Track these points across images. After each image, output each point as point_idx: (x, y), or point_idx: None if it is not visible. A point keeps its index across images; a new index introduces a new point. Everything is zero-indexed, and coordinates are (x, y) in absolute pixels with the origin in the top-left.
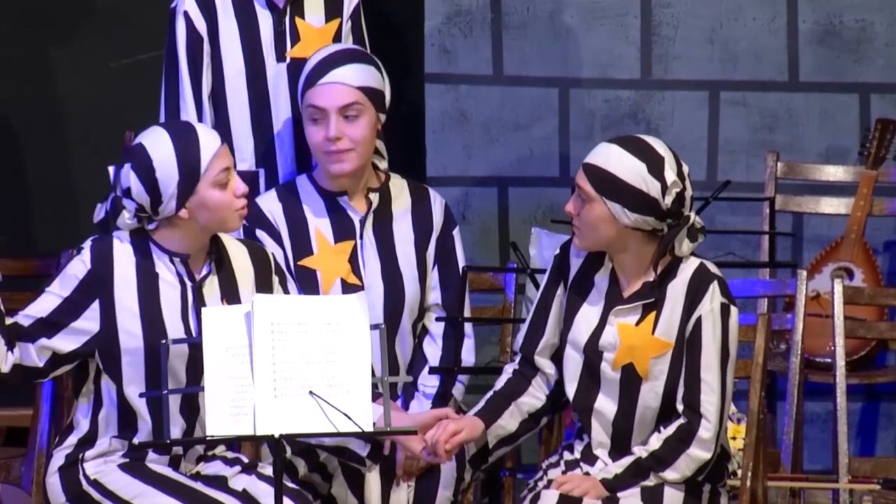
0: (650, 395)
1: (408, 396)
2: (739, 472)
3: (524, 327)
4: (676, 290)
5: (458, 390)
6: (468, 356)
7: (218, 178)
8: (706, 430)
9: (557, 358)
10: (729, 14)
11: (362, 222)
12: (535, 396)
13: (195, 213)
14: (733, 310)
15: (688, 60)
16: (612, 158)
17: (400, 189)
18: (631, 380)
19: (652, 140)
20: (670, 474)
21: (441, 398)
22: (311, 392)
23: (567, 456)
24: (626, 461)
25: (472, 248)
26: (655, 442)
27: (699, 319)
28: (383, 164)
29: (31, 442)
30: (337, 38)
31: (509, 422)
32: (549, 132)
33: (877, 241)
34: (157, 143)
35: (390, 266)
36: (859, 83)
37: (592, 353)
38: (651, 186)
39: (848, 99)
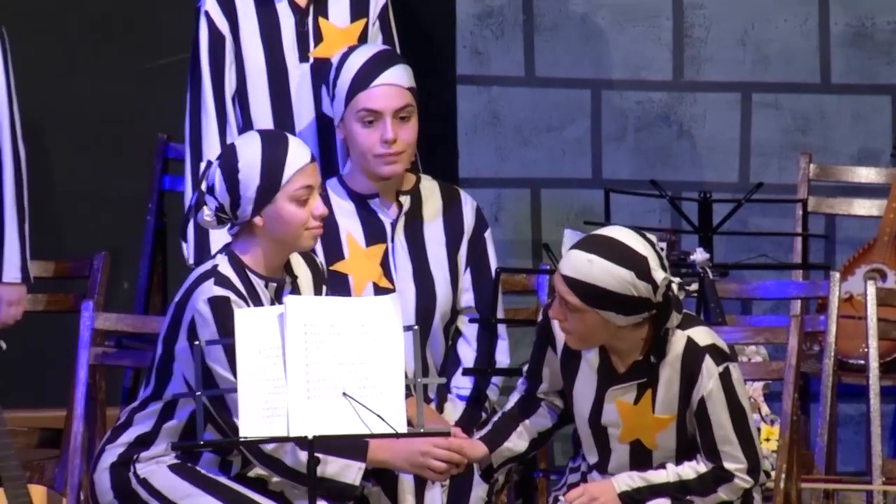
0: (664, 459)
1: (441, 399)
2: (773, 473)
3: (528, 365)
4: (668, 369)
5: (492, 392)
6: (502, 357)
7: (297, 194)
8: (743, 482)
9: (561, 395)
10: (761, 16)
11: (393, 225)
12: (543, 417)
13: (269, 224)
14: (732, 367)
15: (720, 62)
16: (597, 271)
17: (431, 191)
18: (641, 450)
19: (626, 236)
20: (699, 501)
21: (475, 400)
22: (344, 393)
23: (584, 466)
24: (654, 479)
25: (504, 250)
26: (690, 472)
27: (703, 400)
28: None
29: (64, 444)
30: (362, 38)
31: (517, 443)
32: (582, 134)
33: None
34: (247, 147)
35: (422, 269)
36: (891, 85)
37: (597, 427)
38: (642, 290)
39: (880, 101)
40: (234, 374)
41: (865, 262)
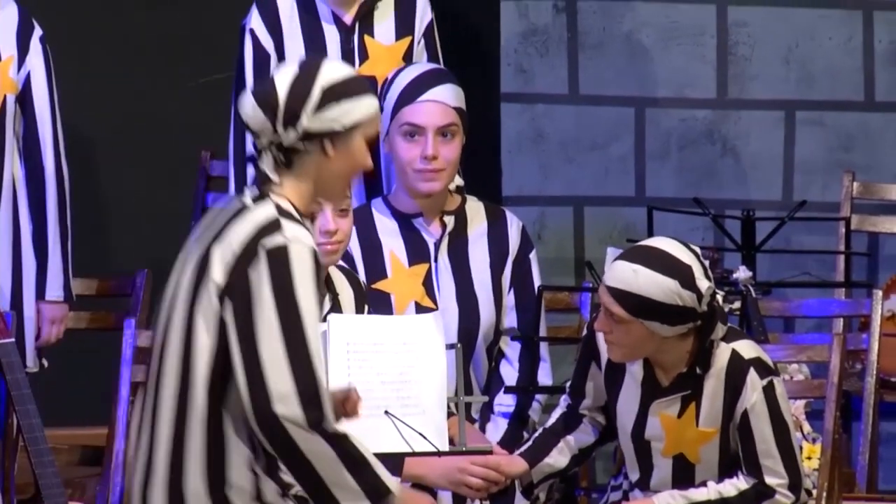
0: (706, 473)
1: (483, 420)
2: (815, 492)
3: (570, 381)
4: (713, 382)
5: (534, 411)
6: (545, 379)
7: None
8: (784, 498)
9: (604, 410)
10: (805, 34)
11: (437, 245)
12: (586, 433)
13: None
14: (776, 382)
15: (764, 80)
16: (642, 281)
17: (476, 211)
18: (684, 464)
19: (670, 246)
20: None
21: (518, 418)
22: (386, 412)
23: (626, 485)
24: (695, 497)
25: (547, 268)
26: (731, 489)
27: (746, 413)
28: (457, 185)
29: (106, 461)
30: (408, 56)
31: (558, 459)
32: (626, 152)
33: None
34: None
35: (465, 289)
36: None
37: (640, 441)
38: (687, 299)
39: None
40: None
41: None
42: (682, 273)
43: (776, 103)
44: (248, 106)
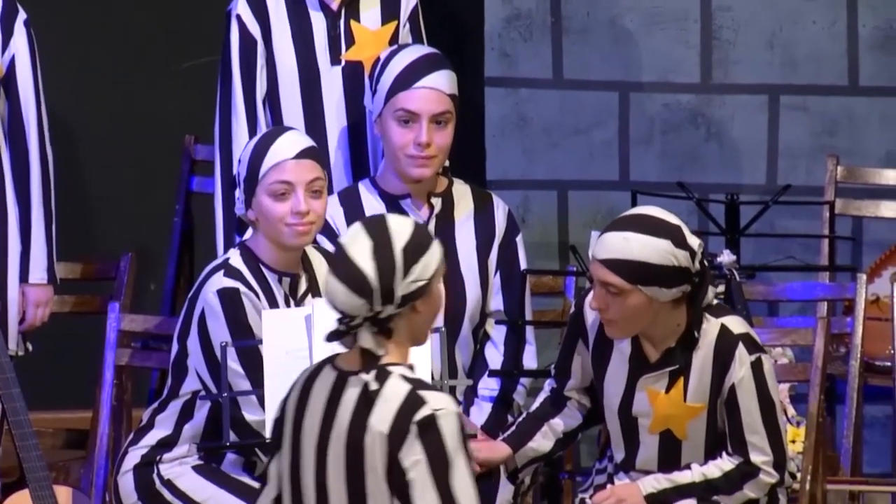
0: (692, 450)
1: (468, 403)
2: (799, 475)
3: (555, 363)
4: (701, 356)
5: (519, 394)
6: (530, 362)
7: (272, 188)
8: (769, 476)
9: (589, 392)
10: (789, 18)
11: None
12: (570, 417)
13: (259, 218)
14: (765, 359)
15: (748, 65)
16: (634, 247)
17: (462, 194)
18: (670, 441)
19: (654, 211)
20: (725, 501)
21: (502, 402)
22: None
23: (610, 468)
24: (680, 480)
25: (531, 252)
26: (715, 470)
27: (733, 388)
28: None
29: (90, 445)
30: (393, 40)
31: (542, 443)
32: (609, 136)
33: None
34: (251, 140)
35: (452, 271)
36: None
37: (627, 417)
38: (682, 259)
39: None
40: (245, 368)
41: (892, 264)
42: (672, 233)
43: (760, 88)
44: (341, 294)
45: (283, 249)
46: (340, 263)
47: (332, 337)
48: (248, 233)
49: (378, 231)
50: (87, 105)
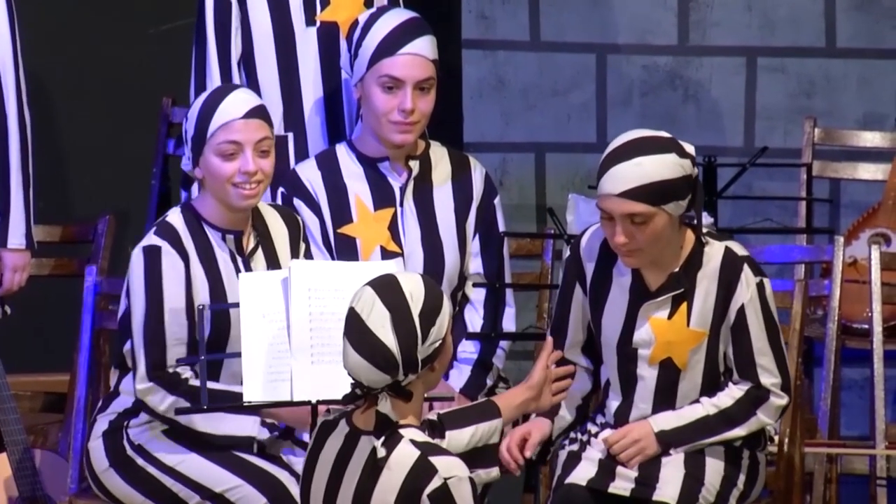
0: (689, 385)
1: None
2: (777, 437)
3: (550, 325)
4: (707, 279)
5: (498, 358)
6: (509, 325)
7: (220, 148)
8: (779, 398)
9: (587, 349)
10: None
11: (402, 189)
12: (581, 380)
13: (206, 176)
14: (766, 282)
15: (726, 27)
16: (650, 168)
17: (440, 157)
18: (670, 372)
19: (642, 132)
20: (739, 431)
21: (481, 365)
22: None
23: (600, 419)
24: (691, 415)
25: (509, 214)
26: (726, 399)
27: (742, 308)
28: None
29: (68, 408)
30: (368, 2)
31: (569, 411)
32: (587, 98)
33: None
34: (199, 96)
35: (430, 234)
36: None
37: (626, 350)
38: (687, 166)
39: (886, 65)
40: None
41: (870, 227)
42: (672, 145)
43: (738, 49)
44: (364, 370)
45: (229, 209)
46: (360, 337)
47: (349, 400)
48: (195, 188)
49: (394, 298)
50: (63, 68)
